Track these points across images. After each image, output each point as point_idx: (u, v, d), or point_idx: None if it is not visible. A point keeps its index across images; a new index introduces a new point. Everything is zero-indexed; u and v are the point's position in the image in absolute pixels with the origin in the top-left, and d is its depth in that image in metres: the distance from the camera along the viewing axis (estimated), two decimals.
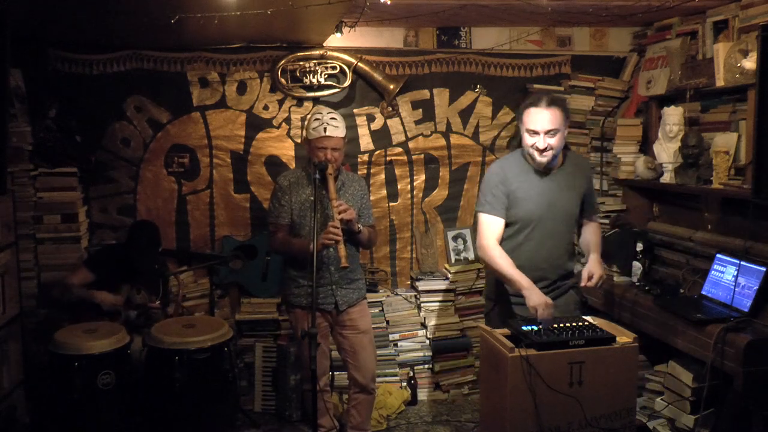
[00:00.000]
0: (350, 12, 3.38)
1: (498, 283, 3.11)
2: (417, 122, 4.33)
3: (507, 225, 3.03)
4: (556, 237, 3.05)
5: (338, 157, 3.16)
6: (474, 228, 4.33)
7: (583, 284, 2.99)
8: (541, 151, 2.91)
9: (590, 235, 3.19)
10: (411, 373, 4.19)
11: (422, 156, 4.37)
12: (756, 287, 3.00)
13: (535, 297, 2.84)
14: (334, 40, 4.02)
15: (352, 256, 3.28)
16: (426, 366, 4.26)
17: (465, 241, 4.44)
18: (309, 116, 3.23)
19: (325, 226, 3.07)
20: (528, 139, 2.93)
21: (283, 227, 3.24)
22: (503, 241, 3.03)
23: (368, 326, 3.37)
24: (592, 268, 2.99)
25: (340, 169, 3.27)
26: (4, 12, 2.74)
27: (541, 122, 2.87)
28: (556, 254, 3.07)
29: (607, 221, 4.14)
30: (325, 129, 3.09)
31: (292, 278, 3.29)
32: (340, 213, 3.03)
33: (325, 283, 3.20)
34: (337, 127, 3.14)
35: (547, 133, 2.87)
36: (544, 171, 3.00)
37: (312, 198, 3.07)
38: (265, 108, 4.20)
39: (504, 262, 2.93)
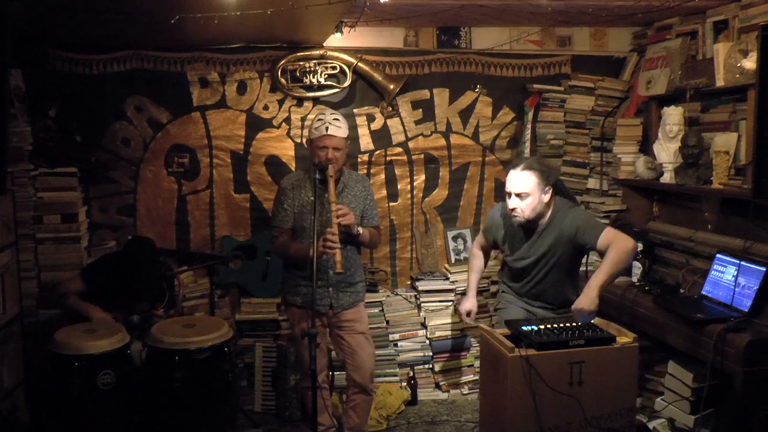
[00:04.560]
0: (350, 12, 3.38)
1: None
2: (417, 122, 4.33)
3: (504, 257, 3.34)
4: (541, 281, 3.19)
5: (339, 158, 3.15)
6: (474, 228, 4.40)
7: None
8: (511, 211, 3.07)
9: (606, 256, 2.97)
10: (411, 373, 4.19)
11: (422, 156, 4.37)
12: (756, 287, 3.00)
13: (462, 304, 3.54)
14: (334, 40, 4.02)
15: (353, 258, 3.28)
16: (426, 366, 4.27)
17: (465, 241, 4.44)
18: (312, 117, 3.24)
19: (325, 228, 3.07)
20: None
21: (286, 231, 3.24)
22: (504, 267, 3.42)
23: (365, 327, 3.37)
24: (576, 303, 2.90)
25: (342, 171, 3.27)
26: (4, 12, 2.74)
27: (511, 184, 3.06)
28: (541, 294, 3.21)
29: (607, 221, 4.14)
30: (327, 128, 3.09)
31: (289, 277, 3.30)
32: (338, 217, 3.02)
33: (322, 285, 3.20)
34: (339, 127, 3.14)
35: (518, 195, 3.02)
36: (527, 227, 3.14)
37: (313, 198, 3.07)
38: (265, 108, 4.20)
39: (470, 267, 3.58)
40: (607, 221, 4.14)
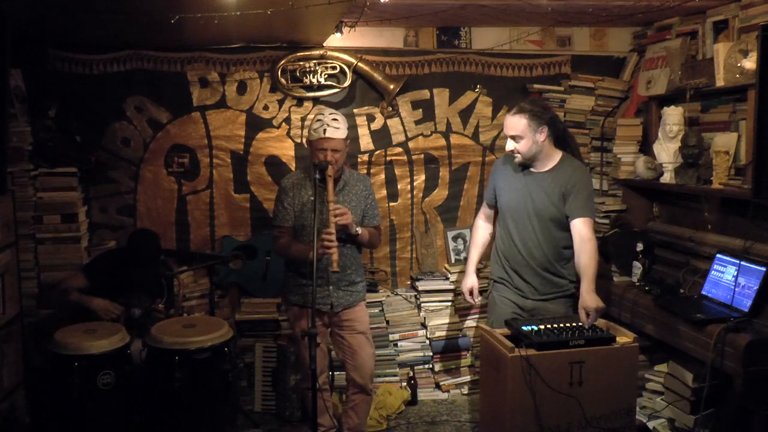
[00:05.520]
0: (350, 12, 3.38)
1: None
2: (417, 122, 4.33)
3: (499, 212, 3.38)
4: (533, 231, 3.19)
5: (339, 159, 3.13)
6: None
7: (583, 323, 2.94)
8: (511, 153, 3.21)
9: (580, 254, 3.03)
10: (411, 373, 4.19)
11: (422, 156, 4.37)
12: (756, 287, 3.00)
13: (463, 282, 3.48)
14: (334, 40, 4.02)
15: (353, 258, 3.27)
16: (426, 366, 4.27)
17: (465, 241, 4.44)
18: (312, 117, 3.23)
19: (324, 227, 3.07)
20: None
21: (287, 230, 3.24)
22: (499, 226, 3.37)
23: (366, 327, 3.36)
24: (584, 304, 2.91)
25: (342, 170, 3.26)
26: (4, 12, 2.74)
27: (506, 127, 3.19)
28: (534, 247, 3.19)
29: (607, 221, 4.15)
30: (324, 130, 3.08)
31: (291, 276, 3.30)
32: (336, 216, 3.02)
33: (323, 284, 3.20)
34: (337, 128, 3.11)
35: (512, 138, 3.16)
36: (525, 169, 3.22)
37: (313, 198, 3.07)
38: (265, 108, 4.20)
39: (472, 239, 3.55)
40: (607, 221, 4.15)
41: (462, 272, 4.28)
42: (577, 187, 3.11)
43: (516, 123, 3.12)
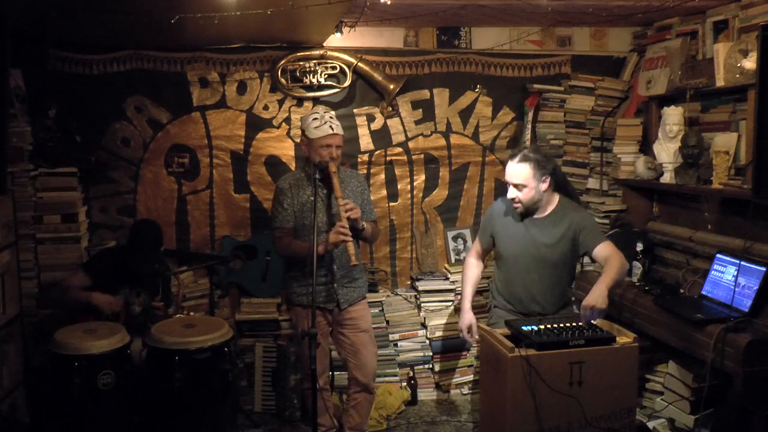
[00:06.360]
0: (350, 12, 3.39)
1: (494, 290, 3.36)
2: (417, 122, 4.33)
3: (497, 256, 3.30)
4: (538, 278, 3.14)
5: (339, 155, 3.20)
6: (474, 228, 4.39)
7: (581, 316, 2.90)
8: (512, 201, 3.12)
9: (606, 261, 2.99)
10: (411, 373, 4.19)
11: (422, 156, 4.37)
12: (756, 287, 3.00)
13: (461, 320, 3.30)
14: (334, 40, 4.02)
15: (356, 253, 3.29)
16: (426, 366, 4.27)
17: (465, 241, 4.44)
18: (306, 117, 3.25)
19: (327, 226, 3.08)
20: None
21: (289, 231, 3.25)
22: (498, 269, 3.29)
23: (369, 325, 3.38)
24: (587, 299, 2.83)
25: (338, 168, 3.28)
26: (4, 12, 2.75)
27: (509, 175, 3.11)
28: (538, 293, 3.15)
29: (607, 221, 4.15)
30: (331, 127, 3.13)
31: (294, 276, 3.30)
32: (347, 211, 3.04)
33: (326, 282, 3.21)
34: (338, 125, 3.19)
35: (515, 186, 3.08)
36: (524, 216, 3.16)
37: (312, 198, 3.08)
38: (265, 108, 4.20)
39: (465, 277, 3.39)
40: (607, 221, 4.15)
41: (461, 272, 4.30)
42: (583, 223, 3.10)
43: (520, 171, 3.05)
